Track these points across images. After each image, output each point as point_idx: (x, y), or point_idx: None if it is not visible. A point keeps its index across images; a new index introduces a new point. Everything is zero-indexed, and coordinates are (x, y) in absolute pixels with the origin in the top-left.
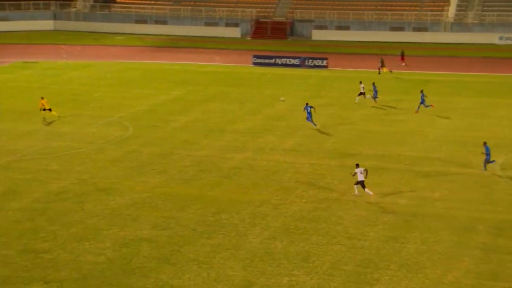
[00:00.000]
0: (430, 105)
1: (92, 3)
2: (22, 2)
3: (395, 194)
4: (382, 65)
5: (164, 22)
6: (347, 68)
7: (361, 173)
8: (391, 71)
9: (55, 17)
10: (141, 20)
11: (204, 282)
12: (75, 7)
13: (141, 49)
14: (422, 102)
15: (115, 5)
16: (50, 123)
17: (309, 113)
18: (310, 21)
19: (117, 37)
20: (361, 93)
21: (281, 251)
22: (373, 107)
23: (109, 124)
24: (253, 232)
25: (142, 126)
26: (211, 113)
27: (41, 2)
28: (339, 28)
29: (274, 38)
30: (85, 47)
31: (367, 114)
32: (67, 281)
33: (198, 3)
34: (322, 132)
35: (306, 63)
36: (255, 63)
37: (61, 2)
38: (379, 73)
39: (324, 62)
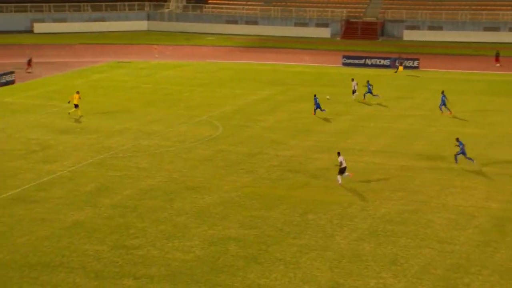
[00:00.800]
0: (449, 110)
1: (185, 4)
2: (118, 3)
3: (487, 198)
4: (400, 64)
5: (255, 23)
6: (439, 69)
7: (343, 160)
8: (403, 67)
9: (148, 18)
10: (232, 21)
11: (290, 282)
12: (168, 8)
13: (231, 49)
14: (443, 103)
15: (207, 5)
16: (77, 119)
17: (318, 104)
18: (401, 21)
19: (208, 37)
20: (354, 91)
21: (369, 253)
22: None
23: (199, 123)
24: (340, 233)
25: (231, 126)
26: (299, 113)
27: (136, 3)
28: (431, 28)
29: (364, 38)
30: (177, 47)
31: (458, 116)
32: (156, 277)
33: (288, 4)
34: (411, 134)
35: (396, 64)
36: (345, 64)
37: (155, 3)
38: (396, 72)
39: (416, 63)
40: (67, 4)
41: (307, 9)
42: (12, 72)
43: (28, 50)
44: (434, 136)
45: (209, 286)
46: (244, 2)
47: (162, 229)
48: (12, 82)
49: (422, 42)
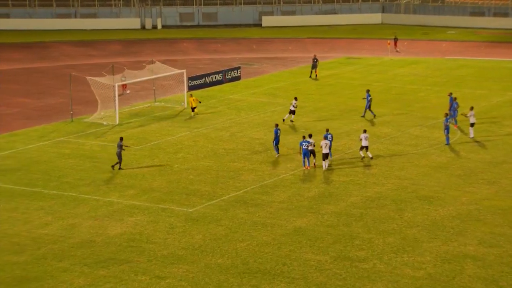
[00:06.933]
0: None
1: None
2: None
3: None
4: (314, 67)
5: (505, 14)
6: None
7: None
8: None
9: (383, 10)
10: (478, 13)
11: None
12: None
13: (475, 45)
14: None
15: None
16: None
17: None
18: None
19: (449, 31)
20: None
21: None
22: None
23: (434, 127)
24: None
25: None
26: None
27: None
28: None
29: None
30: (413, 42)
31: None
32: None
33: None
34: None
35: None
36: None
37: None
38: (310, 76)
39: None
40: None
41: None
42: (238, 68)
43: (254, 45)
44: None
45: None
46: None
47: (390, 241)
48: (238, 78)
49: None
